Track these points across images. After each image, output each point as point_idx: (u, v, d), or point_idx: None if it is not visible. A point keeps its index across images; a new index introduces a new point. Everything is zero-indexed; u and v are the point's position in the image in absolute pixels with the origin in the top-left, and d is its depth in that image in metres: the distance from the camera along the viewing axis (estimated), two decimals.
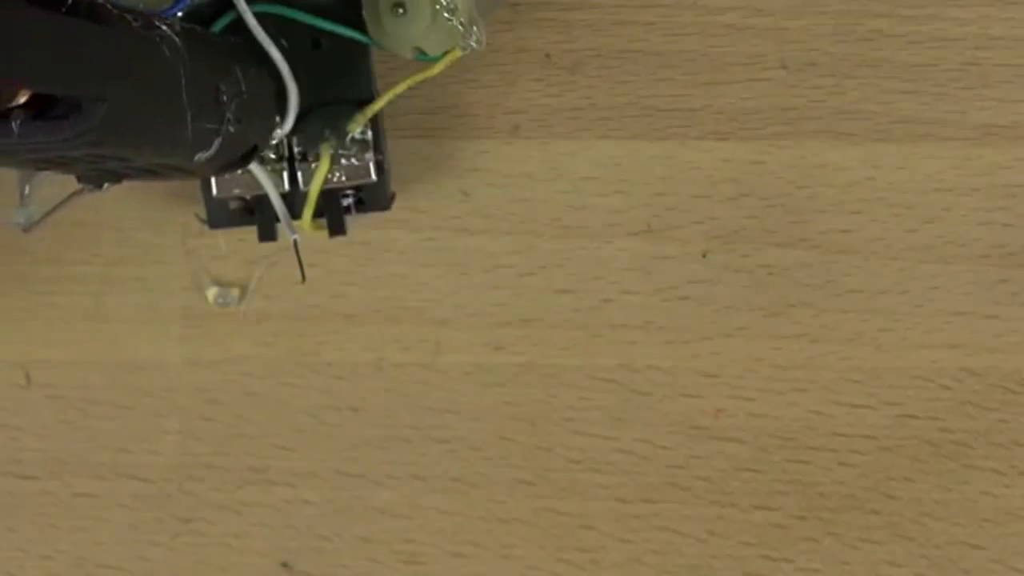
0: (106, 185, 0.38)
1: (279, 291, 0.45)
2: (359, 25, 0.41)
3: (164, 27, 0.35)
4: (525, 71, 0.45)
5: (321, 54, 0.42)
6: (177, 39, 0.35)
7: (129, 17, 0.34)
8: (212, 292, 0.45)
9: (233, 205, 0.43)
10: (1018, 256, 0.44)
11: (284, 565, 0.45)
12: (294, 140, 0.42)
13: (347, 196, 0.43)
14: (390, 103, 0.42)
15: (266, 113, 0.40)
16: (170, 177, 0.38)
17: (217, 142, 0.37)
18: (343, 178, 0.42)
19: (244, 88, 0.38)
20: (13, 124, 0.32)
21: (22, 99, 0.31)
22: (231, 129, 0.37)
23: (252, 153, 0.39)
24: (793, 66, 0.45)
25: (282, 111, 0.41)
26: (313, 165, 0.42)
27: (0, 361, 0.45)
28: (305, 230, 0.42)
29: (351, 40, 0.42)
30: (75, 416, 0.45)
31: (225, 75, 0.37)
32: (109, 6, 0.34)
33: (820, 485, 0.45)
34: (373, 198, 0.43)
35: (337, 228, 0.43)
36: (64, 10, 0.32)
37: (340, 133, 0.42)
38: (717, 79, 0.45)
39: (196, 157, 0.36)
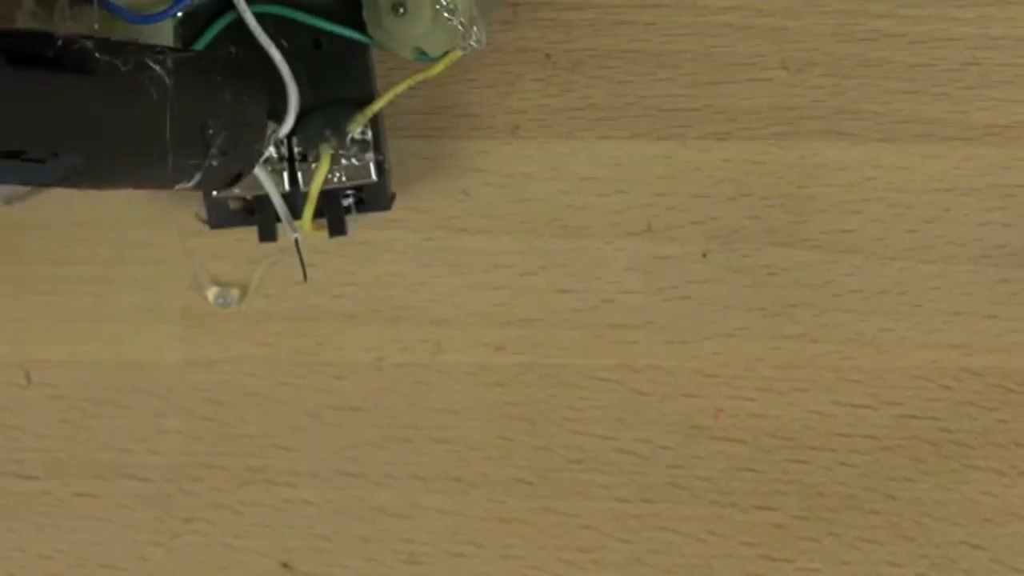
0: None
1: (279, 291, 0.45)
2: (359, 25, 0.41)
3: (156, 66, 0.34)
4: (525, 71, 0.45)
5: (321, 54, 0.42)
6: (168, 79, 0.34)
7: (118, 61, 0.33)
8: (212, 292, 0.45)
9: (233, 205, 0.43)
10: (1018, 256, 0.44)
11: (284, 565, 0.45)
12: (294, 140, 0.42)
13: (347, 196, 0.43)
14: (390, 103, 0.42)
15: (255, 139, 0.39)
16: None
17: (198, 175, 0.36)
18: (343, 178, 0.42)
19: (235, 115, 0.37)
20: None
21: None
22: (214, 163, 0.37)
23: (237, 179, 0.39)
24: (793, 66, 0.45)
25: (282, 111, 0.41)
26: (313, 165, 0.42)
27: (0, 361, 0.45)
28: (305, 230, 0.42)
29: (351, 40, 0.42)
30: (75, 416, 0.45)
31: (215, 108, 0.37)
32: (96, 54, 0.33)
33: (820, 485, 0.45)
34: (373, 198, 0.43)
35: (337, 228, 0.43)
36: (47, 61, 0.32)
37: (340, 133, 0.42)
38: (717, 79, 0.45)
39: (176, 187, 0.36)
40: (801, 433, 0.45)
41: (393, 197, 0.43)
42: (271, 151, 0.42)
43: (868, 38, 0.44)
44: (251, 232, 0.43)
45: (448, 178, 0.45)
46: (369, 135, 0.42)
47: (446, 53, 0.41)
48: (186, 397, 0.45)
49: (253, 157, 0.39)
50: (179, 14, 0.41)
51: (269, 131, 0.41)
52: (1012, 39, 0.44)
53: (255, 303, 0.45)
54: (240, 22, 0.41)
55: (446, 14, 0.41)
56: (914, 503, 0.44)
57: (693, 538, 0.45)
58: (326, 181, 0.42)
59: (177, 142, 0.35)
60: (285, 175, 0.42)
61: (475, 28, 0.41)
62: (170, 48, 0.36)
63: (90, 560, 0.45)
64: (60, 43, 0.32)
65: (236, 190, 0.42)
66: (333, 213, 0.43)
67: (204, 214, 0.43)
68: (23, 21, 0.39)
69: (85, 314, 0.45)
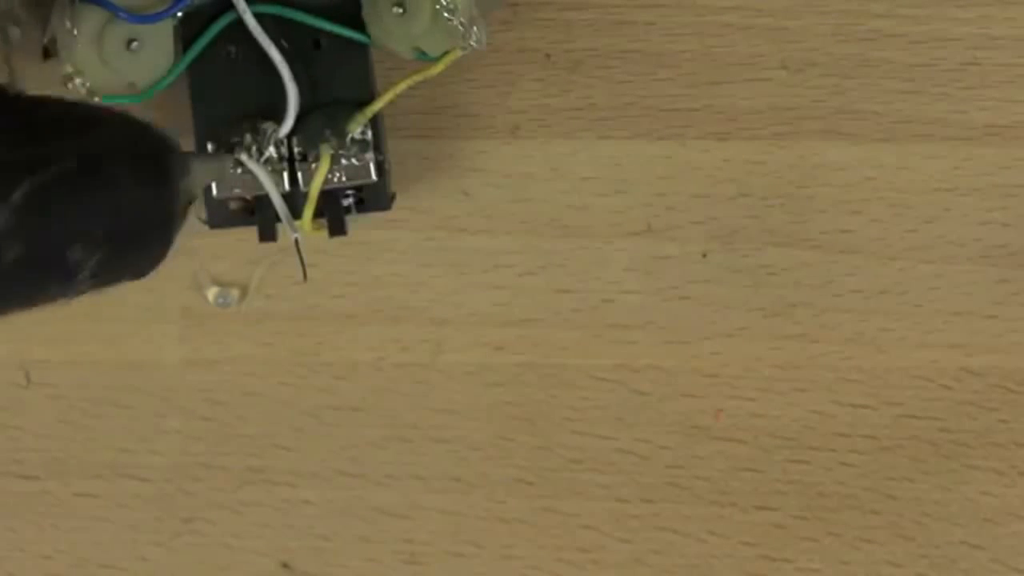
0: None
1: (279, 291, 0.45)
2: (359, 25, 0.42)
3: None
4: (525, 71, 0.45)
5: (321, 54, 0.42)
6: (11, 218, 0.31)
7: None
8: (212, 292, 0.45)
9: (233, 205, 0.43)
10: (1018, 256, 0.44)
11: (284, 565, 0.45)
12: (294, 140, 0.42)
13: (347, 196, 0.43)
14: (390, 103, 0.42)
15: (156, 240, 0.35)
16: None
17: (66, 298, 0.34)
18: (343, 178, 0.42)
19: (125, 219, 0.34)
20: None
21: None
22: (83, 288, 0.34)
23: (138, 276, 0.36)
24: (793, 66, 0.45)
25: (282, 111, 0.41)
26: (313, 165, 0.42)
27: (0, 361, 0.45)
28: (305, 230, 0.42)
29: (351, 40, 0.42)
30: (75, 416, 0.45)
31: (89, 226, 0.33)
32: None
33: (820, 485, 0.45)
34: (373, 198, 0.43)
35: (337, 228, 0.43)
36: None
37: (340, 133, 0.42)
38: (717, 79, 0.45)
39: (48, 304, 0.34)
40: (801, 433, 0.45)
41: (393, 197, 0.43)
42: (271, 151, 0.42)
43: (868, 38, 0.44)
44: (251, 232, 0.43)
45: (448, 178, 0.45)
46: (369, 135, 0.42)
47: (446, 53, 0.41)
48: (186, 397, 0.45)
49: (153, 260, 0.36)
50: (179, 14, 0.41)
51: (269, 132, 0.41)
52: (1012, 39, 0.44)
53: (255, 303, 0.45)
54: (240, 22, 0.41)
55: (446, 14, 0.41)
56: (914, 503, 0.44)
57: (693, 538, 0.45)
58: (326, 181, 0.42)
59: (20, 282, 0.33)
60: (285, 175, 0.42)
61: (475, 28, 0.41)
62: (50, 152, 0.33)
63: (90, 560, 0.45)
64: None
65: (237, 190, 0.42)
66: (333, 213, 0.43)
67: (204, 214, 0.43)
68: None
69: (85, 314, 0.45)
